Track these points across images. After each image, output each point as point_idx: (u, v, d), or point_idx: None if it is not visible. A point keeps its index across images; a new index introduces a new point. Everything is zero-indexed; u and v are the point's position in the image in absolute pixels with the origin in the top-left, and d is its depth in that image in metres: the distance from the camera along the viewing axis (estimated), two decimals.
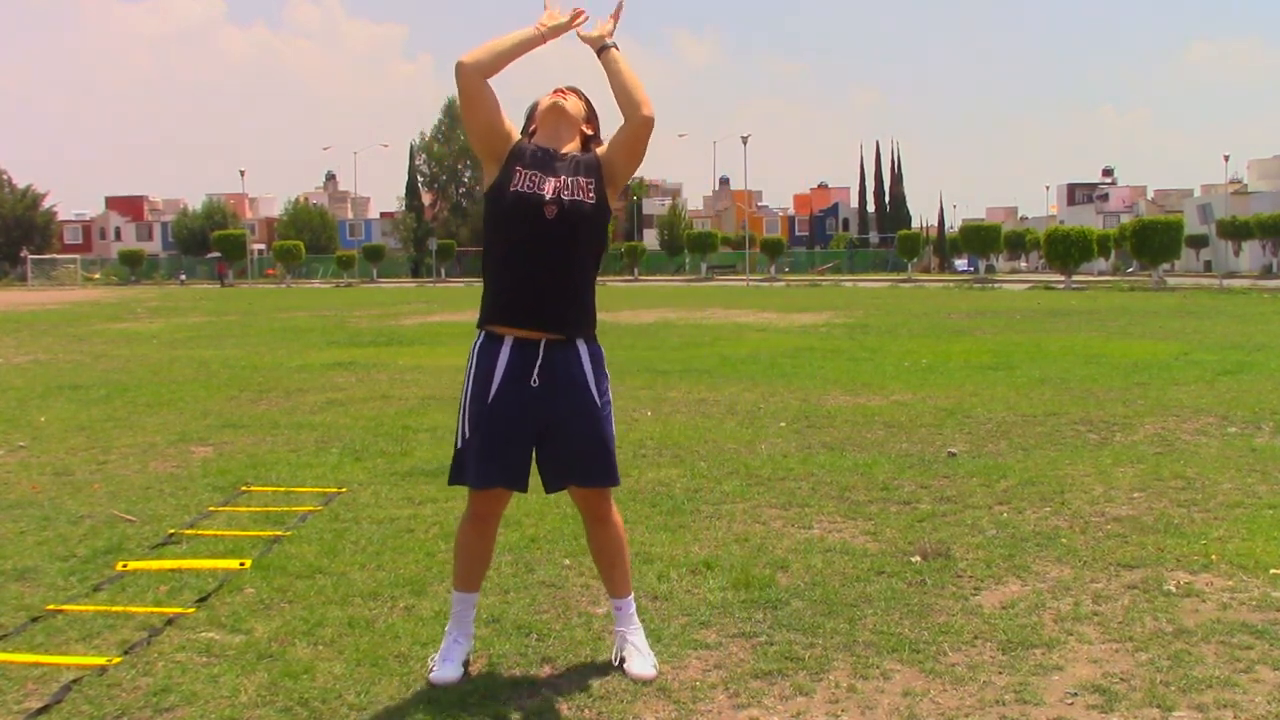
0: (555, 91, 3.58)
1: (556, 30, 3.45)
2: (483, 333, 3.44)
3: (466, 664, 3.51)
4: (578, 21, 3.46)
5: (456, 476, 3.50)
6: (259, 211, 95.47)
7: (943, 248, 71.92)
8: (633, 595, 3.65)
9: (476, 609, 3.68)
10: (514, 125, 3.50)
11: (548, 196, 3.33)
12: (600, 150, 3.50)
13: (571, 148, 3.48)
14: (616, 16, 3.52)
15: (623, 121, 3.43)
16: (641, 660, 3.49)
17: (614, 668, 3.50)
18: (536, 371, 3.35)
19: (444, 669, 3.44)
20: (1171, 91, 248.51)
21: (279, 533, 5.16)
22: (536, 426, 3.38)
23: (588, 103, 3.61)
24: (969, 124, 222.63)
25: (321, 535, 5.13)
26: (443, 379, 11.63)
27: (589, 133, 3.57)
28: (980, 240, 56.58)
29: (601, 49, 3.47)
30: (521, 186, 3.34)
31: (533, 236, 3.34)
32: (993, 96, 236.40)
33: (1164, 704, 3.19)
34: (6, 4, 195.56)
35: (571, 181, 3.37)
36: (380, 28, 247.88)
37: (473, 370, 3.43)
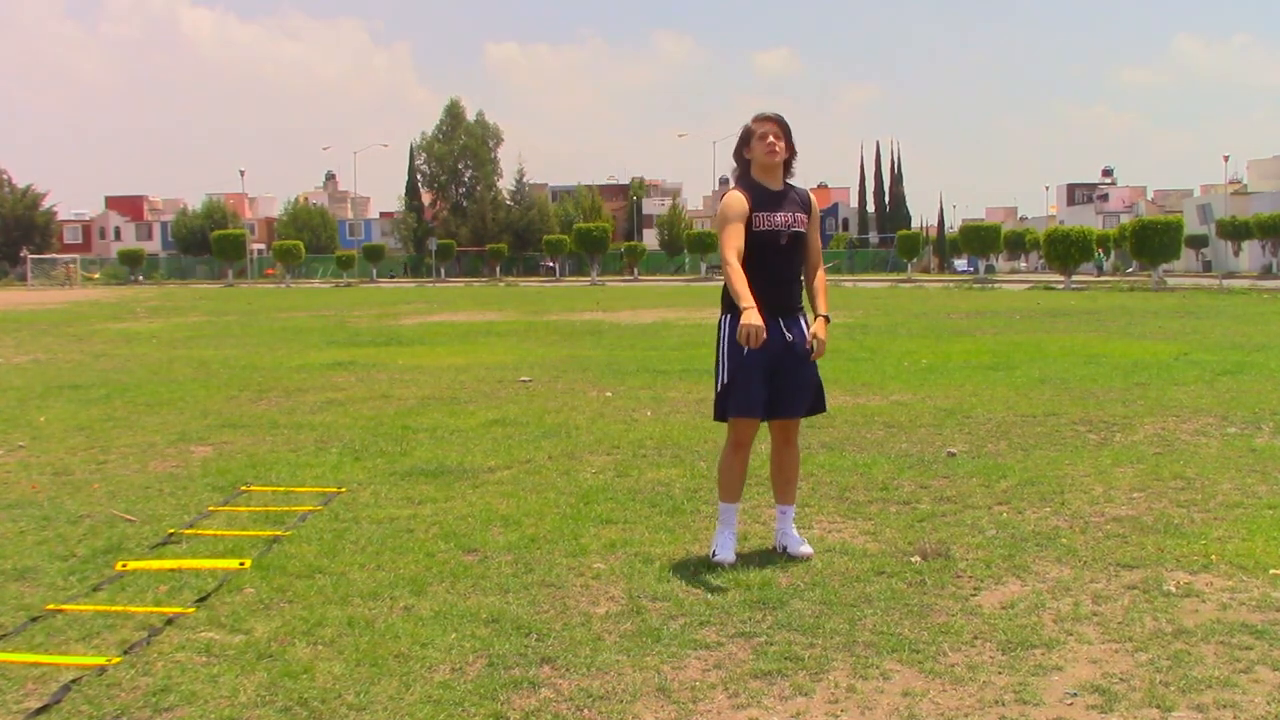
0: (761, 121, 4.69)
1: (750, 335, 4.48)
2: None
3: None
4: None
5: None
6: (259, 211, 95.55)
7: (942, 248, 71.90)
8: (794, 504, 4.91)
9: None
10: (742, 208, 4.63)
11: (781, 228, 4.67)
12: (814, 211, 4.84)
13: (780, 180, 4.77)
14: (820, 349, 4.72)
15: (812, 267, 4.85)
16: (799, 544, 4.72)
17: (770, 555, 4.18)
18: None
19: (726, 553, 4.62)
20: (1166, 90, 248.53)
21: (279, 533, 5.16)
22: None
23: (787, 135, 4.72)
24: (969, 124, 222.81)
25: (321, 535, 5.13)
26: (442, 379, 11.64)
27: (787, 156, 4.73)
28: (980, 240, 56.57)
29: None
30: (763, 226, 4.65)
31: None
32: (993, 96, 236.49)
33: (1164, 704, 3.19)
34: (7, 3, 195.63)
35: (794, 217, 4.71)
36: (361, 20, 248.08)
37: None
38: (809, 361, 4.72)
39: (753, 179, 4.72)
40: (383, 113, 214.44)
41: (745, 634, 3.78)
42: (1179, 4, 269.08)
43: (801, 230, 4.72)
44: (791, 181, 4.80)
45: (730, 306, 4.67)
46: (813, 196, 4.88)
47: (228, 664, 3.55)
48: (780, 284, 4.69)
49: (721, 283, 4.72)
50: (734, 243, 4.57)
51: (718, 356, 4.75)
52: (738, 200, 4.63)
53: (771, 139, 4.65)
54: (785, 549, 4.71)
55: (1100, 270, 53.27)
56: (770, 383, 4.65)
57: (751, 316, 4.40)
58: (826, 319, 4.76)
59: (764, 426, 4.87)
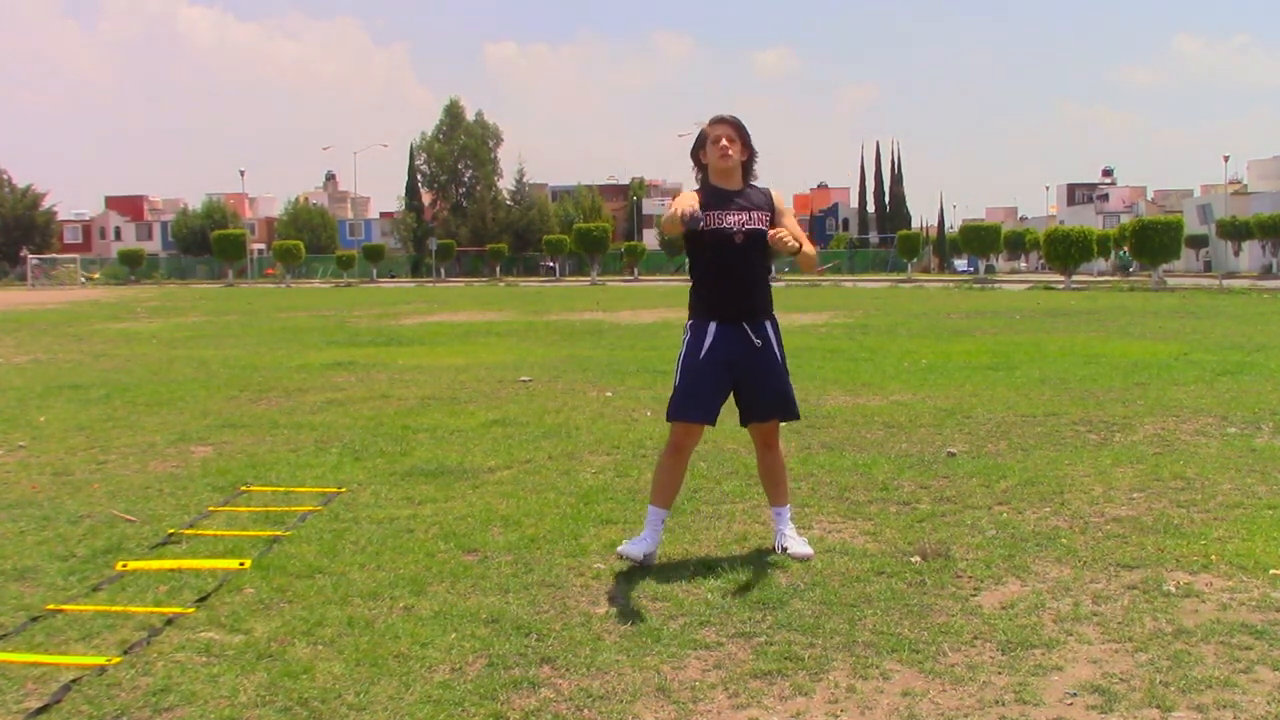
0: (715, 124, 4.60)
1: (677, 226, 4.39)
2: None
3: (647, 558, 4.53)
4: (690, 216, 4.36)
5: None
6: (259, 211, 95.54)
7: (942, 248, 71.92)
8: (789, 504, 4.87)
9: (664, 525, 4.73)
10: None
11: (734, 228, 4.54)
12: (778, 207, 4.68)
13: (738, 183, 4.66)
14: (780, 241, 4.48)
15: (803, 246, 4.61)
16: (798, 544, 4.68)
17: (770, 555, 4.65)
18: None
19: (632, 546, 4.55)
20: (1166, 90, 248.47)
21: (279, 533, 5.16)
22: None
23: (742, 136, 4.61)
24: (969, 124, 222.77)
25: (321, 535, 5.13)
26: (442, 379, 11.64)
27: (743, 158, 4.63)
28: (980, 240, 56.58)
29: (794, 253, 4.58)
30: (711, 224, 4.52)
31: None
32: (993, 96, 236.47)
33: (1163, 704, 3.19)
34: (5, 2, 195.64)
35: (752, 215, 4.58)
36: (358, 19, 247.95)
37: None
38: (776, 367, 4.66)
39: (710, 182, 4.66)
40: (382, 113, 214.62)
41: (745, 634, 3.78)
42: (1179, 4, 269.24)
43: (760, 228, 4.57)
44: (754, 183, 4.72)
45: (694, 312, 4.66)
46: (775, 192, 4.74)
47: (228, 664, 3.55)
48: (742, 287, 4.60)
49: (689, 284, 4.68)
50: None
51: (676, 360, 4.74)
52: (689, 193, 4.57)
53: (724, 142, 4.57)
54: (785, 550, 4.69)
55: (1127, 270, 53.09)
56: (737, 390, 4.63)
57: (683, 200, 4.34)
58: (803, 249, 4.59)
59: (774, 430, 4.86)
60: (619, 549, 4.60)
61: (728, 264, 4.56)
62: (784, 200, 4.77)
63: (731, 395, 4.69)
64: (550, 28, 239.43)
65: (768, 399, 4.67)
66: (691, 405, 4.58)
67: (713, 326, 4.58)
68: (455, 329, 20.65)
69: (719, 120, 4.63)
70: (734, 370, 4.57)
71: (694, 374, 4.58)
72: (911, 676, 3.42)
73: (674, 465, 4.68)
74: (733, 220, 4.54)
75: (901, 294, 36.92)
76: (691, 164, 4.73)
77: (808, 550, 4.66)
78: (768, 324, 4.66)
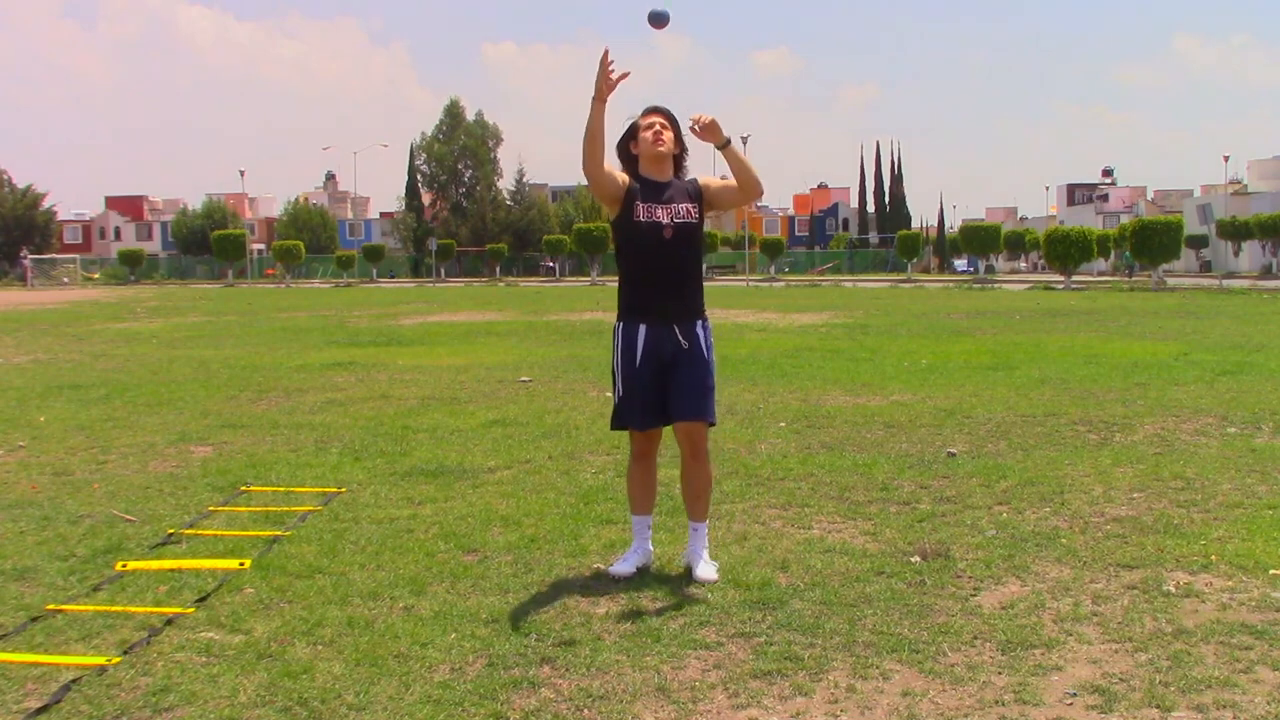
0: (648, 113, 4.43)
1: (608, 84, 4.22)
2: None
3: (643, 569, 4.46)
4: (612, 69, 4.21)
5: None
6: (259, 211, 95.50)
7: (942, 248, 71.90)
8: (707, 522, 4.58)
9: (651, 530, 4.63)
10: (620, 175, 4.43)
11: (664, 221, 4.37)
12: (704, 182, 4.54)
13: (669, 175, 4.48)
14: (705, 125, 4.31)
15: (737, 188, 4.49)
16: (706, 567, 4.41)
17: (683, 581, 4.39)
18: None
19: (621, 565, 4.45)
20: (1166, 90, 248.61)
21: (279, 533, 5.16)
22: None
23: (675, 128, 4.46)
24: (969, 124, 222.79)
25: (321, 535, 5.13)
26: (442, 379, 11.64)
27: (676, 151, 4.47)
28: (980, 240, 56.57)
29: (721, 146, 4.35)
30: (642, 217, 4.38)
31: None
32: (993, 96, 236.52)
33: (1163, 704, 3.19)
34: (4, 2, 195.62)
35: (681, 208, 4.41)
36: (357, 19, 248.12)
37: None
38: (702, 367, 4.44)
39: (640, 174, 4.47)
40: (382, 113, 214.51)
41: (745, 634, 3.78)
42: (1179, 4, 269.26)
43: (690, 221, 4.41)
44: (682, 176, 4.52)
45: (622, 313, 4.51)
46: (701, 179, 4.57)
47: (228, 664, 3.55)
48: (671, 285, 4.42)
49: (616, 284, 4.56)
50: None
51: (611, 366, 4.57)
52: (621, 176, 4.43)
53: (658, 128, 4.39)
54: (689, 568, 4.43)
55: (1131, 271, 53.03)
56: (664, 388, 4.45)
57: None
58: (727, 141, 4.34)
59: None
60: (610, 570, 4.45)
61: (655, 260, 4.40)
62: (708, 181, 4.57)
63: None
64: (550, 28, 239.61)
65: (688, 396, 4.42)
66: (639, 413, 4.45)
67: (643, 330, 4.41)
68: (455, 329, 20.65)
69: (652, 109, 4.46)
70: (666, 371, 4.42)
71: (634, 382, 4.43)
72: (911, 676, 3.42)
73: (642, 472, 4.59)
74: (663, 213, 4.36)
75: (901, 294, 36.92)
76: (618, 160, 4.50)
77: (713, 575, 4.36)
78: (698, 325, 4.47)
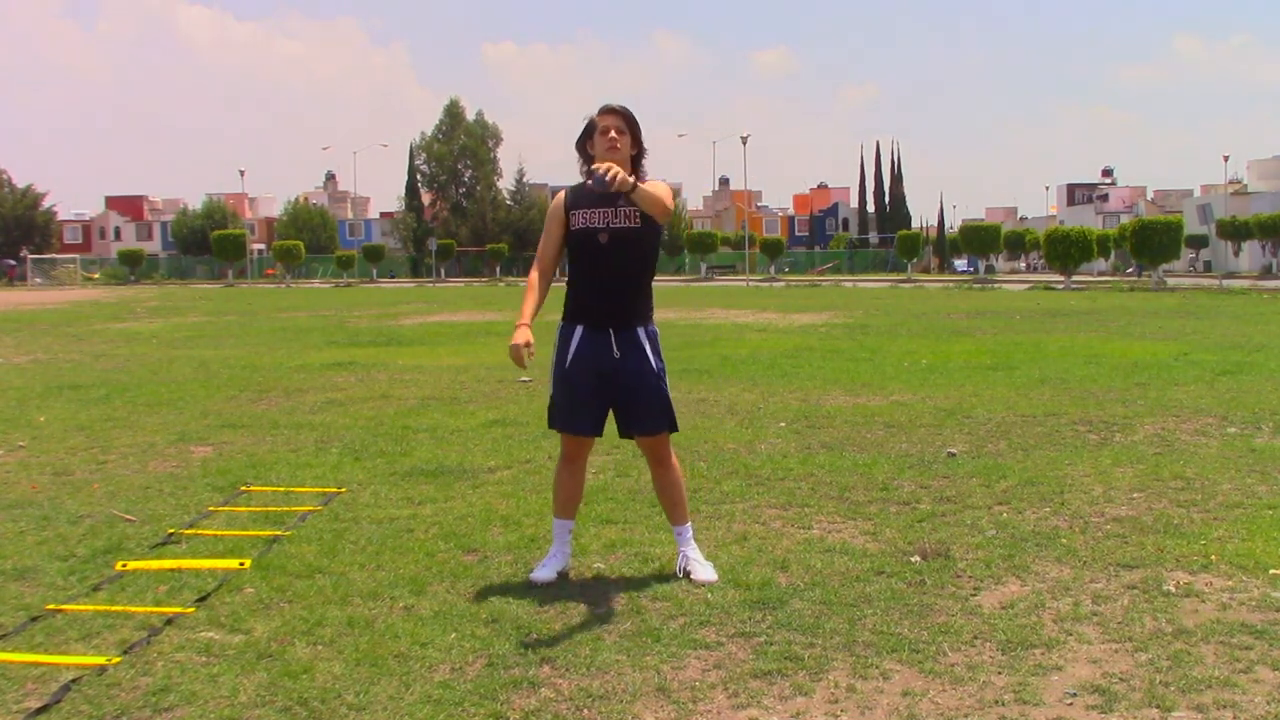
0: (605, 114, 4.31)
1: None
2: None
3: (563, 574, 4.41)
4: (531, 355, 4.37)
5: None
6: (259, 211, 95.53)
7: (942, 248, 71.90)
8: (690, 522, 4.52)
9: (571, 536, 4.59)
10: (557, 216, 4.43)
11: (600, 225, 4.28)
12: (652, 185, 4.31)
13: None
14: (615, 180, 3.97)
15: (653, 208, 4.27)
16: (703, 569, 4.37)
17: (679, 579, 4.37)
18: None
19: (541, 571, 4.40)
20: (1166, 90, 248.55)
21: (279, 533, 5.16)
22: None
23: (632, 129, 4.34)
24: (969, 124, 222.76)
25: (321, 535, 5.13)
26: (442, 379, 11.64)
27: (633, 152, 4.36)
28: (980, 240, 56.59)
29: (628, 192, 4.10)
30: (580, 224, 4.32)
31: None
32: (992, 96, 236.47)
33: (1163, 704, 3.19)
34: (8, 3, 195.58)
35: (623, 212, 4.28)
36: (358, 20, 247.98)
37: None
38: (649, 378, 4.35)
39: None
40: (382, 113, 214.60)
41: (745, 634, 3.78)
42: (1178, 4, 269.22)
43: (631, 226, 4.26)
44: (643, 181, 4.32)
45: (564, 315, 4.48)
46: (657, 183, 4.34)
47: (228, 664, 3.55)
48: (607, 291, 4.32)
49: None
50: (540, 252, 4.46)
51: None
52: (555, 202, 4.44)
53: (613, 133, 4.28)
54: (688, 574, 4.38)
55: (1139, 272, 53.02)
56: (614, 402, 4.39)
57: (516, 336, 4.32)
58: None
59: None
60: (531, 576, 4.39)
61: (592, 266, 4.33)
62: (666, 188, 4.26)
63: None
64: (550, 28, 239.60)
65: (640, 412, 4.37)
66: (567, 416, 4.42)
67: (579, 331, 4.38)
68: (455, 329, 20.65)
69: (609, 110, 4.34)
70: (605, 381, 4.33)
71: (563, 384, 4.42)
72: (911, 676, 3.42)
73: (569, 475, 4.53)
74: (599, 217, 4.28)
75: (901, 294, 36.92)
76: (577, 156, 4.41)
77: (711, 575, 4.35)
78: (641, 332, 4.36)
